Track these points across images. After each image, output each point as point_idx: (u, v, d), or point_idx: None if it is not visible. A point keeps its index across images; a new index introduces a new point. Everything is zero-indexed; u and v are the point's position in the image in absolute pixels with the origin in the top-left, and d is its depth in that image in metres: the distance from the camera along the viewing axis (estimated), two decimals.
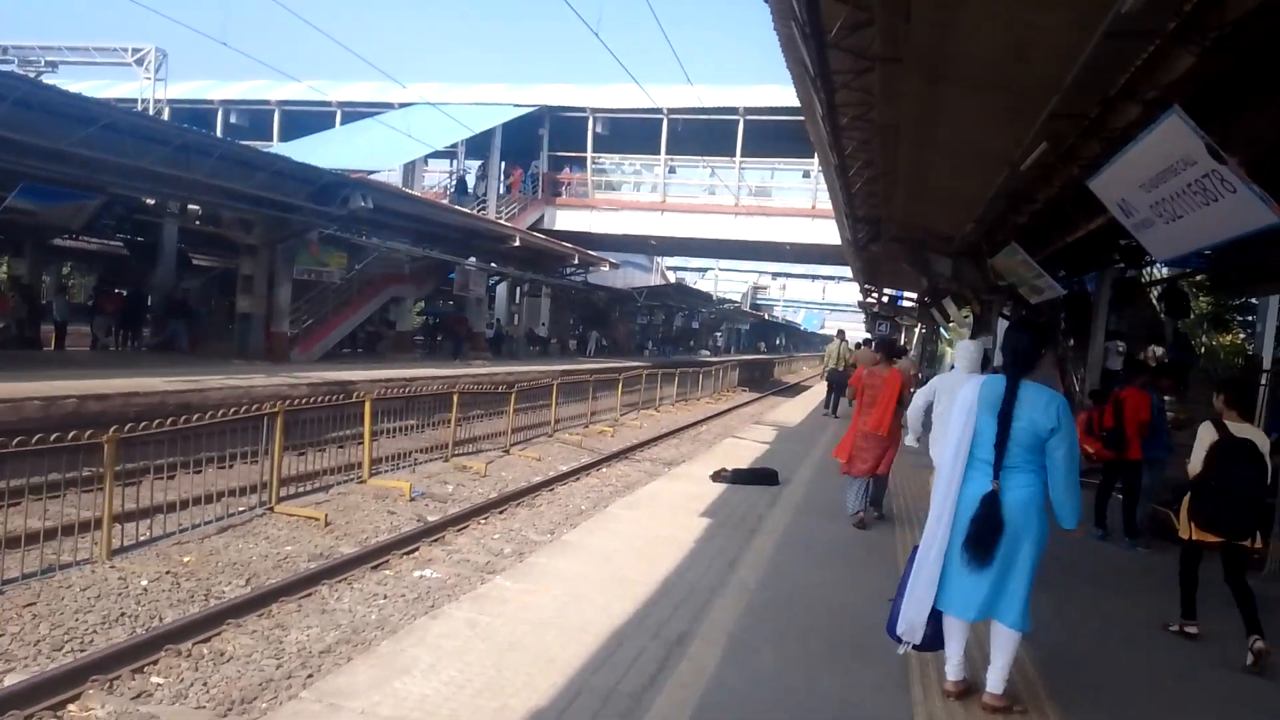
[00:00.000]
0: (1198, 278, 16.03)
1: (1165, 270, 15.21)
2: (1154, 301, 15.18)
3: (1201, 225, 5.80)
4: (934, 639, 3.72)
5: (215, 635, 5.60)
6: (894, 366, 7.75)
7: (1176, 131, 5.28)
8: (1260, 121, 5.77)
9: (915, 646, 3.74)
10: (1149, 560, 6.93)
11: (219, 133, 32.25)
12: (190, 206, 17.21)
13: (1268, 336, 15.19)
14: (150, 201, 17.47)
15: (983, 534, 3.50)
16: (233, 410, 8.61)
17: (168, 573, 6.70)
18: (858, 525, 7.29)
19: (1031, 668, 4.12)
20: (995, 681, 3.62)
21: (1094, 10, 4.81)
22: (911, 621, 3.67)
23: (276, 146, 27.22)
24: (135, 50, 28.75)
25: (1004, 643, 3.59)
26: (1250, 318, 18.76)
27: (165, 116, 29.20)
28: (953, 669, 3.73)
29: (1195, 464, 5.04)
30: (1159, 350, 12.89)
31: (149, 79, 28.31)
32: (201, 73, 41.25)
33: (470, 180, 35.01)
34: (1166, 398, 7.82)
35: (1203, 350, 16.39)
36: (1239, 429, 4.96)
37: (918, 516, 7.68)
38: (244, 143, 18.90)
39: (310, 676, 5.14)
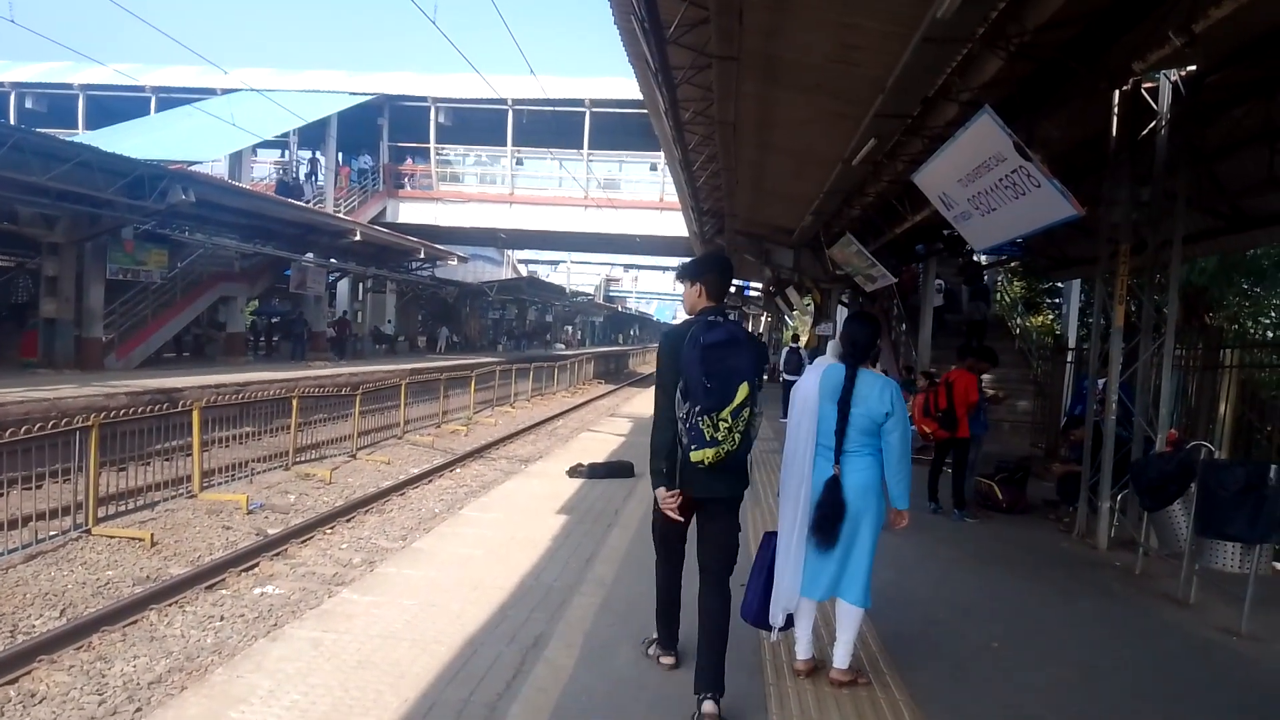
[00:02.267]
0: (1012, 264, 17.49)
1: (985, 258, 16.51)
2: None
3: (1012, 217, 6.29)
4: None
5: (25, 675, 5.05)
6: None
7: (988, 130, 5.69)
8: (1052, 126, 6.31)
9: (779, 629, 3.84)
10: (977, 530, 7.47)
11: (12, 118, 29.27)
12: None
13: (1071, 317, 16.77)
14: None
15: (826, 518, 3.64)
16: (38, 426, 7.79)
17: None
18: None
19: (874, 641, 4.33)
20: (841, 657, 3.78)
21: (912, 16, 5.10)
22: (785, 607, 3.77)
23: (83, 135, 24.90)
24: None
25: (848, 619, 3.75)
26: (1058, 300, 20.67)
27: None
28: (802, 648, 3.86)
29: None
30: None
31: None
32: None
33: (299, 173, 33.41)
34: (985, 377, 8.44)
35: (1018, 331, 17.84)
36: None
37: (767, 502, 7.95)
38: (43, 130, 17.14)
39: (139, 711, 4.73)
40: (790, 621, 3.85)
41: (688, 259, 3.94)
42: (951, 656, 4.29)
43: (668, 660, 3.92)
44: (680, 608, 3.89)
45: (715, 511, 3.57)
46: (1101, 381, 7.16)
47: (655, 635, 3.98)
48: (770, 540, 3.89)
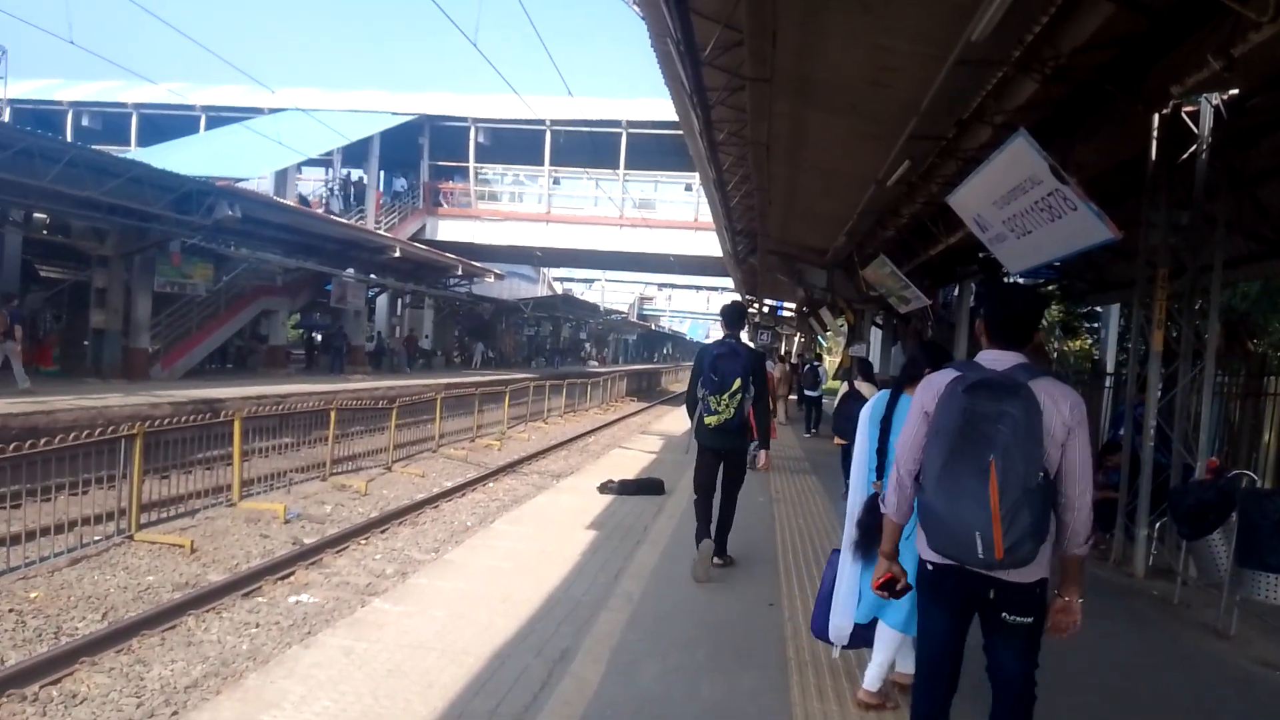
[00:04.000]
0: (1050, 288, 17.27)
1: (1021, 281, 16.31)
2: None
3: (1048, 240, 6.24)
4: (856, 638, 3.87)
5: (67, 675, 5.19)
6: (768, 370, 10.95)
7: (1023, 153, 5.67)
8: (1088, 149, 6.26)
9: (844, 645, 3.88)
10: None
11: (69, 136, 30.20)
12: (35, 215, 16.02)
13: (1110, 342, 16.49)
14: None
15: (862, 534, 3.65)
16: (85, 433, 8.02)
17: (11, 610, 6.19)
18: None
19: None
20: (871, 678, 3.75)
21: (946, 39, 5.12)
22: (839, 627, 3.81)
23: (135, 151, 25.69)
24: None
25: (885, 641, 3.72)
26: (1096, 325, 20.34)
27: (5, 117, 27.16)
28: (868, 678, 3.79)
29: (836, 403, 9.48)
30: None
31: None
32: (46, 71, 38.43)
33: (321, 192, 34.30)
34: None
35: (1055, 355, 17.60)
36: (861, 386, 8.98)
37: (799, 522, 7.92)
38: (97, 147, 17.71)
39: (175, 714, 4.85)
40: (859, 641, 3.83)
41: (727, 306, 6.31)
42: (980, 681, 4.24)
43: (706, 539, 5.78)
44: (711, 517, 5.91)
45: (726, 459, 5.92)
46: (1137, 406, 7.06)
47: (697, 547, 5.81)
48: (835, 557, 3.95)
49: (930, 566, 2.73)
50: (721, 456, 5.89)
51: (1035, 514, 2.43)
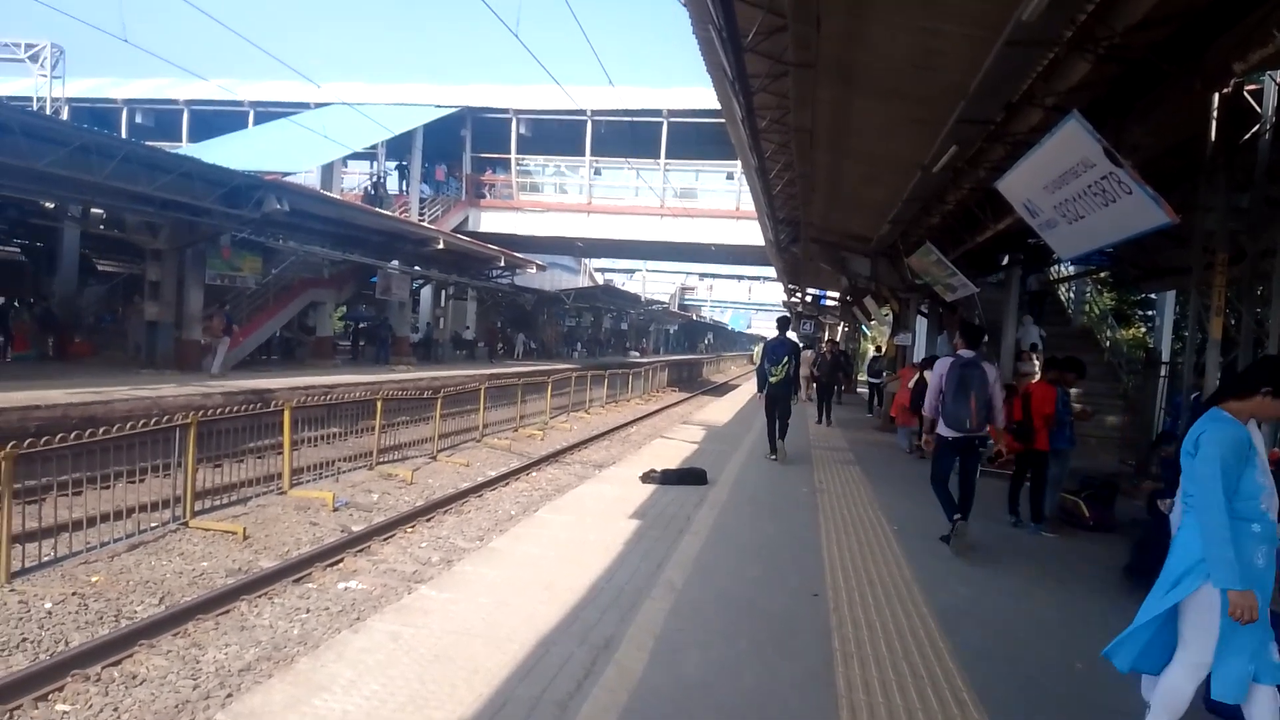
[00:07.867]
0: (1102, 274, 16.84)
1: (1072, 268, 15.92)
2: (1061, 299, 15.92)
3: (1101, 225, 6.07)
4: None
5: (127, 657, 5.36)
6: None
7: (1076, 136, 5.51)
8: (1142, 130, 6.07)
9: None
10: (1055, 545, 7.22)
11: (123, 132, 31.03)
12: (93, 210, 16.48)
13: (1165, 330, 16.01)
14: (49, 205, 16.66)
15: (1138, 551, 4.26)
16: (142, 422, 8.23)
17: (74, 594, 6.39)
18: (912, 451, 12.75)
19: (951, 657, 4.24)
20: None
21: (995, 20, 5.00)
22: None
23: (186, 147, 26.27)
24: (29, 46, 27.43)
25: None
26: (1150, 312, 19.77)
27: (64, 115, 27.94)
28: None
29: (912, 389, 11.72)
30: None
31: (44, 76, 27.04)
32: (102, 70, 39.43)
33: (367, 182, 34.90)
34: (1072, 390, 8.16)
35: (1107, 344, 17.16)
36: (929, 376, 10.08)
37: (843, 514, 7.85)
38: (150, 143, 18.16)
39: (229, 696, 4.96)
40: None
41: (779, 318, 11.47)
42: (1032, 676, 4.18)
43: (772, 457, 10.64)
44: (775, 436, 10.71)
45: (779, 402, 10.59)
46: (1195, 395, 6.86)
47: (770, 451, 10.79)
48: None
49: (950, 438, 6.52)
50: (777, 400, 10.48)
51: (984, 412, 6.37)
